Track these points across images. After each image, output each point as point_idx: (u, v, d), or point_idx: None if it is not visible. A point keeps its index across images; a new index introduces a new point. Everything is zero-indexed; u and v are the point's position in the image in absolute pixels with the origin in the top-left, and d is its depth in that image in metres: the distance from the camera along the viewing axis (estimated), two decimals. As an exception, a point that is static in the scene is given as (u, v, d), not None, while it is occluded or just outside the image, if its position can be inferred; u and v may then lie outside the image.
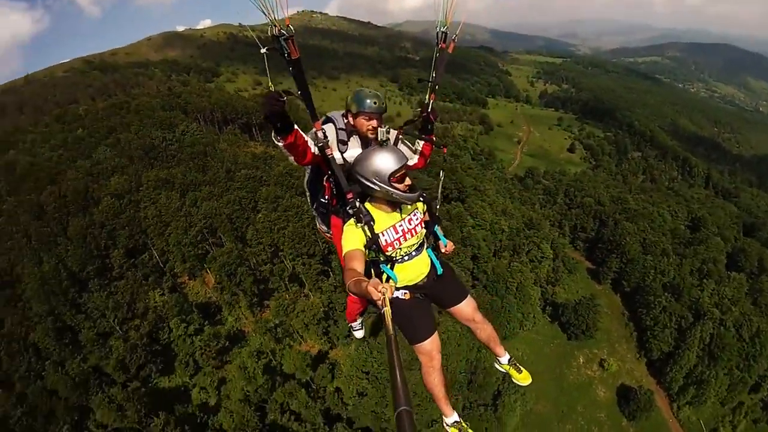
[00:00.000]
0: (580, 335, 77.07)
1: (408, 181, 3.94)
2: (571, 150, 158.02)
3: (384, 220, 4.05)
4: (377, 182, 3.82)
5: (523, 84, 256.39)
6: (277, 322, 64.58)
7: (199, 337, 61.61)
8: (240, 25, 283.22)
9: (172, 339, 61.55)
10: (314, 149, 4.08)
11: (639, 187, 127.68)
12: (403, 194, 3.87)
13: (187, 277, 72.61)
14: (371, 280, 2.96)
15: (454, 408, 4.56)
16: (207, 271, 71.16)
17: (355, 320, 6.32)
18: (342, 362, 60.69)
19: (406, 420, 1.51)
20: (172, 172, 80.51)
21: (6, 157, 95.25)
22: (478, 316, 4.67)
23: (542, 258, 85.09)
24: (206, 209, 71.81)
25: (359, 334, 6.65)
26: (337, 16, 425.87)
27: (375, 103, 4.33)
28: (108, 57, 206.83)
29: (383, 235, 4.01)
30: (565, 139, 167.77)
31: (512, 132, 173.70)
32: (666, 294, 78.08)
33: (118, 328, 61.92)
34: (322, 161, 4.28)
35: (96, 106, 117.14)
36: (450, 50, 4.71)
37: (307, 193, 4.90)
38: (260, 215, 71.53)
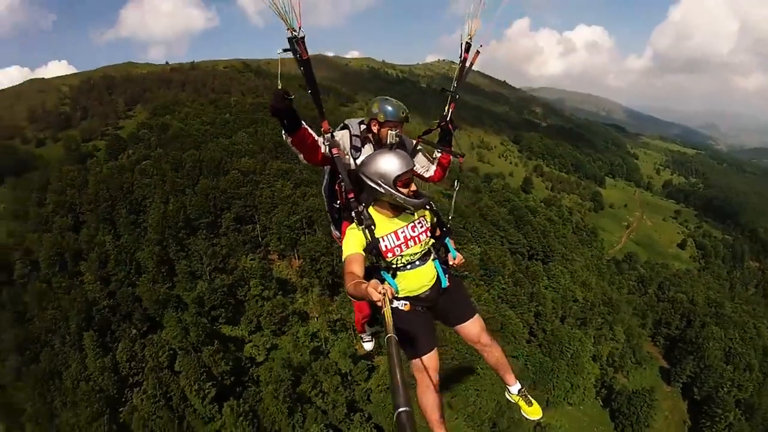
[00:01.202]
0: (628, 427, 73.34)
1: (413, 186, 4.00)
2: (681, 246, 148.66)
3: (385, 225, 4.06)
4: (382, 185, 3.86)
5: (648, 170, 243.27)
6: (339, 316, 72.14)
7: (269, 302, 71.37)
8: (383, 62, 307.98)
9: (247, 298, 72.31)
10: (324, 149, 4.21)
11: (744, 297, 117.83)
12: (408, 199, 3.91)
13: (277, 256, 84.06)
14: (371, 281, 3.05)
15: None
16: (295, 257, 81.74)
17: (364, 331, 6.21)
18: (383, 367, 65.90)
19: (406, 421, 1.52)
20: (292, 167, 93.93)
21: (163, 119, 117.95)
22: (485, 338, 4.53)
23: (612, 339, 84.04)
24: (311, 203, 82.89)
25: (368, 345, 6.57)
26: (474, 70, 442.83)
27: (403, 113, 4.43)
28: (263, 64, 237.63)
29: (383, 240, 4.01)
30: (678, 233, 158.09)
31: (623, 215, 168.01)
32: (737, 410, 73.09)
33: (207, 273, 74.34)
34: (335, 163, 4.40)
35: (245, 101, 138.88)
36: (474, 61, 4.84)
37: (324, 199, 4.99)
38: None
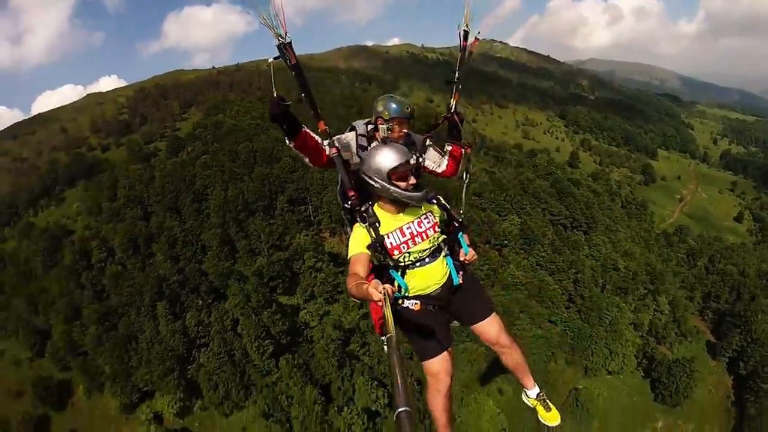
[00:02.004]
0: (668, 398, 74.19)
1: (412, 179, 4.01)
2: (738, 219, 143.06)
3: (390, 221, 4.11)
4: (378, 180, 3.95)
5: (704, 140, 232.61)
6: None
7: (322, 273, 79.87)
8: (422, 47, 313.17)
9: (301, 270, 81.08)
10: (328, 150, 4.32)
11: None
12: (404, 193, 3.94)
13: (329, 233, 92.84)
14: (372, 281, 3.01)
15: None
16: (346, 233, 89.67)
17: (384, 334, 4.96)
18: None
19: (406, 421, 1.54)
20: None
21: (216, 117, 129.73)
22: (504, 339, 4.43)
23: (655, 310, 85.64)
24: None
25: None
26: (517, 47, 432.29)
27: (408, 108, 4.51)
28: (306, 59, 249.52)
29: (388, 237, 4.04)
30: (735, 206, 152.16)
31: (676, 188, 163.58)
32: (784, 385, 71.86)
33: (265, 249, 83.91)
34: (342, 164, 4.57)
35: (290, 96, 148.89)
36: (473, 48, 4.92)
37: (341, 203, 4.94)
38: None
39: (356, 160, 4.48)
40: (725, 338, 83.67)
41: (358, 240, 3.96)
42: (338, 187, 4.73)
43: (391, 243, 4.01)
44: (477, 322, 4.39)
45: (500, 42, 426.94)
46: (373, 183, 3.96)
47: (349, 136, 4.59)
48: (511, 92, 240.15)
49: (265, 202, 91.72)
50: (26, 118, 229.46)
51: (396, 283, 3.99)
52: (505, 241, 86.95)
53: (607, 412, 72.19)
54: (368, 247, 3.90)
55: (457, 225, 4.39)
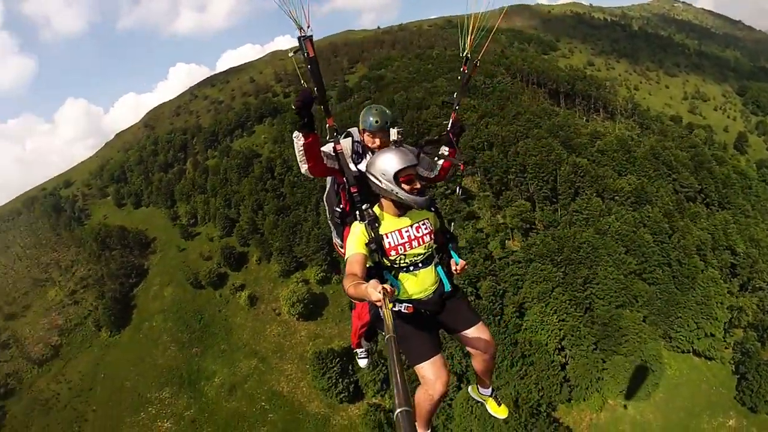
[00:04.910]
0: (747, 398, 70.59)
1: (417, 184, 4.32)
2: None
3: (390, 222, 4.49)
4: (384, 181, 4.26)
5: None
6: (502, 221, 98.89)
7: (449, 199, 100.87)
8: (590, 5, 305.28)
9: (434, 197, 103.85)
10: (327, 161, 4.87)
11: None
12: (408, 195, 4.28)
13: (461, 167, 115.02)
14: (370, 281, 3.30)
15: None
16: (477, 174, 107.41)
17: (360, 345, 6.42)
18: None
19: (406, 421, 1.65)
20: (480, 102, 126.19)
21: (378, 72, 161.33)
22: (494, 346, 4.87)
23: None
24: (491, 130, 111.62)
25: (363, 362, 6.81)
26: (702, 9, 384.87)
27: (377, 121, 5.00)
28: (461, 19, 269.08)
29: (387, 237, 4.41)
30: None
31: None
32: None
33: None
34: (337, 171, 5.07)
35: (445, 53, 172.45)
36: (472, 74, 5.61)
37: (326, 208, 5.53)
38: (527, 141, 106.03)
39: (351, 165, 5.12)
40: None
41: (357, 239, 4.33)
42: (325, 193, 5.63)
43: (389, 243, 4.42)
44: (469, 327, 4.72)
45: (683, 2, 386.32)
46: (378, 183, 4.32)
47: (346, 143, 5.20)
48: (685, 60, 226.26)
49: (413, 140, 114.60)
50: (213, 72, 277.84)
51: (388, 284, 3.84)
52: (615, 196, 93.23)
53: (679, 388, 73.86)
54: (366, 245, 4.29)
55: (448, 236, 4.91)
